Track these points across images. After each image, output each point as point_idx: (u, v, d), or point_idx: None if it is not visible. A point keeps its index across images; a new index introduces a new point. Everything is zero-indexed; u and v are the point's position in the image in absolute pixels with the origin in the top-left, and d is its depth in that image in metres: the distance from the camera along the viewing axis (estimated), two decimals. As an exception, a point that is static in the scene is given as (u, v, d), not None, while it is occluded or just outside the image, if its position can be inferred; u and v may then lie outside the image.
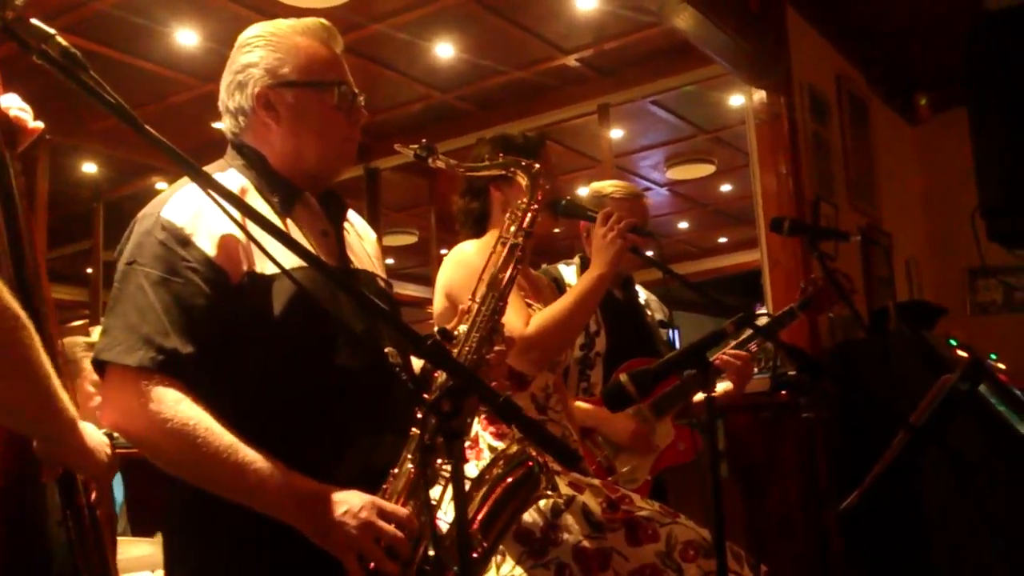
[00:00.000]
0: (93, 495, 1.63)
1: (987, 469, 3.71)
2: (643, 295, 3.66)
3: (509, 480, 1.86)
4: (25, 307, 1.31)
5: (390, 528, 1.65)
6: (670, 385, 3.27)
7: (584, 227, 3.43)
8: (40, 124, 1.76)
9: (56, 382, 1.39)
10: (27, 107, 1.75)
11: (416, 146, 2.11)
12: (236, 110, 1.95)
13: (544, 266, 3.46)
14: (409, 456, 1.75)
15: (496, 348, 1.91)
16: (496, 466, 1.88)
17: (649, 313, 3.62)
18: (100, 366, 1.73)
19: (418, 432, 1.74)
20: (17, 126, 1.72)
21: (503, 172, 2.25)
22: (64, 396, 1.42)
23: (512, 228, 2.03)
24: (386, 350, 1.85)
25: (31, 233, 1.64)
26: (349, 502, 1.65)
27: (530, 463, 1.88)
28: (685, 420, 3.33)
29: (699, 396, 3.20)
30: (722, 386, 3.22)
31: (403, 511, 1.69)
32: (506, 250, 2.00)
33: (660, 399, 3.27)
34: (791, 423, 4.23)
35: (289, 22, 1.97)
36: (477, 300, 1.93)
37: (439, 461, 1.71)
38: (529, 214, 2.05)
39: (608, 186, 3.52)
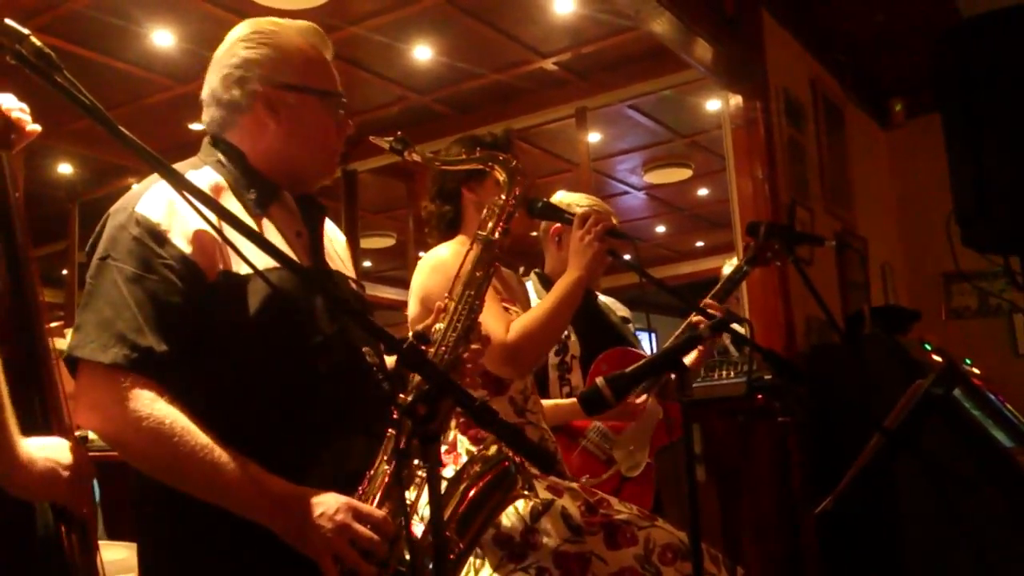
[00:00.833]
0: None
1: (962, 473, 3.73)
2: (600, 298, 3.67)
3: (485, 480, 1.85)
4: (21, 311, 1.28)
5: (366, 530, 1.64)
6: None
7: (555, 232, 3.43)
8: (37, 127, 1.75)
9: (10, 420, 1.37)
10: (25, 107, 1.74)
11: (391, 139, 2.10)
12: (229, 103, 1.92)
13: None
14: (385, 458, 1.74)
15: (473, 347, 1.91)
16: (472, 467, 1.87)
17: (611, 313, 3.64)
18: (72, 363, 1.71)
19: (393, 434, 1.74)
20: (16, 127, 1.71)
21: (480, 167, 2.23)
22: (9, 429, 1.40)
23: (489, 224, 2.01)
24: (363, 350, 1.85)
25: (27, 236, 1.63)
26: (324, 504, 1.64)
27: (506, 463, 1.87)
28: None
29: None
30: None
31: (379, 513, 1.68)
32: (482, 247, 1.98)
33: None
34: (767, 427, 4.24)
35: (286, 22, 1.97)
36: (454, 298, 1.92)
37: (415, 463, 1.71)
38: (507, 210, 2.03)
39: (583, 198, 3.53)
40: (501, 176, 2.08)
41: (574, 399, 3.20)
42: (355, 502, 1.68)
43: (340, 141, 1.99)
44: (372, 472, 1.74)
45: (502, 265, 2.81)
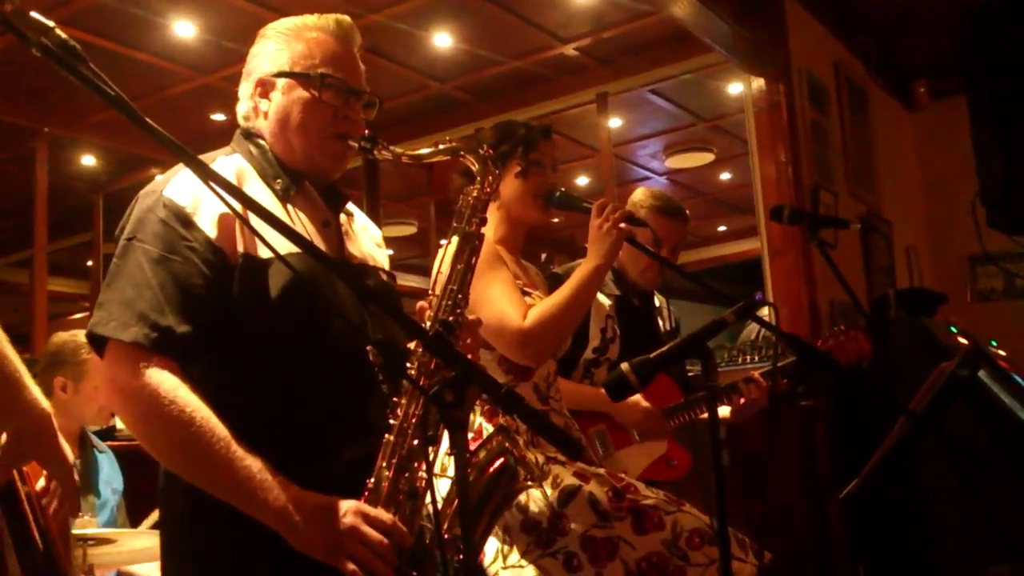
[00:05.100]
0: (51, 503, 1.64)
1: (987, 456, 3.71)
2: (657, 302, 3.64)
3: (485, 477, 1.85)
4: None
5: (376, 534, 1.63)
6: (674, 400, 3.26)
7: None
8: None
9: (26, 376, 1.40)
10: None
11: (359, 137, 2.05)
12: (243, 97, 1.99)
13: (567, 264, 3.41)
14: (384, 464, 1.73)
15: (463, 342, 1.86)
16: (470, 467, 1.86)
17: (661, 323, 3.61)
18: (97, 343, 1.72)
19: (392, 439, 1.73)
20: None
21: (451, 158, 2.07)
22: (36, 390, 1.43)
23: (465, 215, 1.96)
24: (367, 348, 1.83)
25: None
26: (334, 508, 1.64)
27: (504, 457, 1.87)
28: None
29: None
30: (723, 410, 3.18)
31: (388, 516, 1.67)
32: (461, 239, 1.94)
33: (663, 411, 3.26)
34: (791, 412, 4.23)
35: (309, 17, 1.98)
36: (436, 294, 1.88)
37: (415, 464, 1.72)
38: (482, 200, 1.97)
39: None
40: (473, 166, 2.00)
41: (598, 389, 3.20)
42: (364, 506, 1.67)
43: (340, 125, 1.93)
44: (375, 478, 1.73)
45: (519, 256, 2.82)
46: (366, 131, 1.98)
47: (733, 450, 4.44)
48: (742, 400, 3.13)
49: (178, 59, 6.28)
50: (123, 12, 5.57)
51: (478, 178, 1.98)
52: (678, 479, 3.30)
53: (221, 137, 2.02)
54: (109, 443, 3.81)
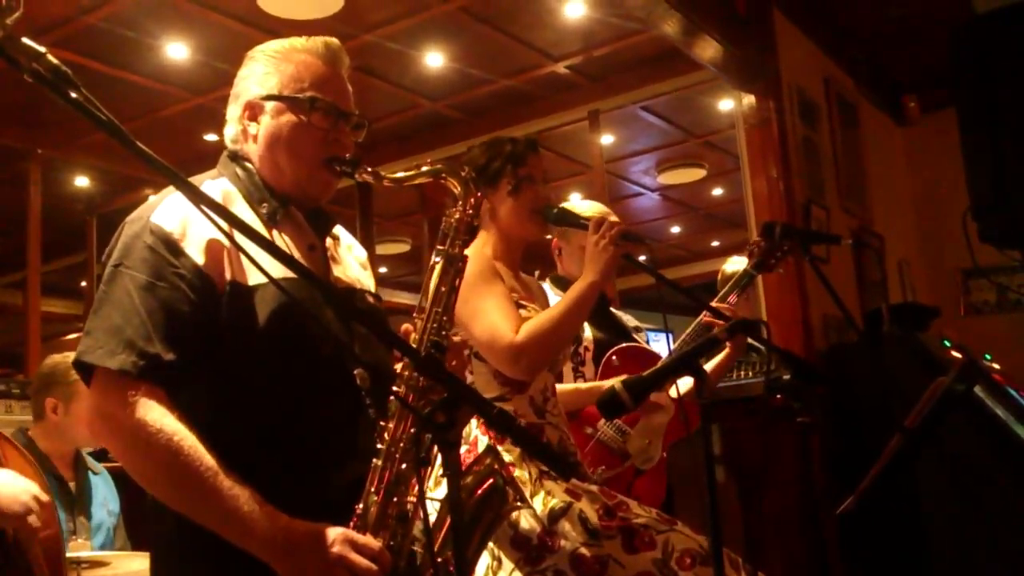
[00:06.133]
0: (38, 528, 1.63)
1: (983, 470, 3.71)
2: (613, 310, 3.72)
3: (475, 498, 1.84)
4: None
5: (364, 561, 1.62)
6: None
7: (556, 245, 3.54)
8: None
9: None
10: None
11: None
12: (230, 120, 1.97)
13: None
14: (373, 488, 1.71)
15: (447, 364, 1.84)
16: (461, 488, 1.85)
17: (622, 319, 3.68)
18: (84, 371, 1.72)
19: (380, 463, 1.71)
20: None
21: (433, 179, 2.01)
22: None
23: (449, 237, 1.93)
24: (355, 372, 1.82)
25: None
26: (321, 536, 1.62)
27: (493, 478, 1.86)
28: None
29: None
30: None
31: (376, 543, 1.66)
32: (444, 261, 1.91)
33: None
34: (786, 427, 4.23)
35: (297, 39, 1.97)
36: (421, 316, 1.85)
37: (404, 488, 1.71)
38: (465, 222, 1.94)
39: (590, 208, 3.60)
40: (456, 188, 1.96)
41: (593, 383, 3.22)
42: (352, 533, 1.66)
43: (331, 149, 1.91)
44: (363, 503, 1.71)
45: (518, 272, 2.82)
46: (346, 155, 1.96)
47: (728, 465, 4.43)
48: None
49: (171, 80, 6.30)
50: (116, 34, 5.59)
51: (459, 200, 1.95)
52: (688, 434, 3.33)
53: (215, 157, 2.02)
54: (107, 464, 3.80)
